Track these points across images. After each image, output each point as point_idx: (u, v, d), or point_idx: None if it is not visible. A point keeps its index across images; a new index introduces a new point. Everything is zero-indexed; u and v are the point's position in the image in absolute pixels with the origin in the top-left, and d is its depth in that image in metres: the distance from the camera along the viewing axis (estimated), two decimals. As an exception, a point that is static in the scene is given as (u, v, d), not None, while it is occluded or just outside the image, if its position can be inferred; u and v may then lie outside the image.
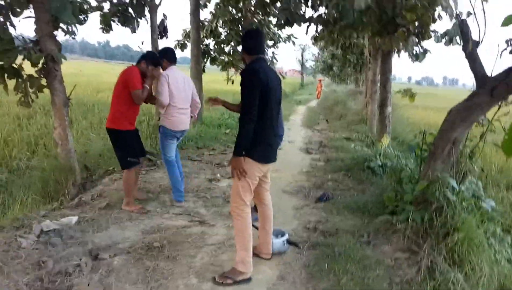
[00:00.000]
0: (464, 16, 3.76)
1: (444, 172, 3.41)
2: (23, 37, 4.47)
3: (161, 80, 3.93)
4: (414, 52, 6.49)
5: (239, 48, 17.20)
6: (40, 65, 4.51)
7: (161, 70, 4.05)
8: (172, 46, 9.55)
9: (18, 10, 4.53)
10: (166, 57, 4.08)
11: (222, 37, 17.22)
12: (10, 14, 4.41)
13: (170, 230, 3.53)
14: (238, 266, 2.72)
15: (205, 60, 16.05)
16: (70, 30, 4.65)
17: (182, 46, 13.98)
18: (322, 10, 7.55)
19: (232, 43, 17.14)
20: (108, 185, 4.77)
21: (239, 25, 16.30)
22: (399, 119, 11.68)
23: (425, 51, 6.47)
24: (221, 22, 15.70)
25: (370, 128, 9.76)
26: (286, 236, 3.21)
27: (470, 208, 3.22)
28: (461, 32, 3.67)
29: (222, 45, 17.51)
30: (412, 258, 3.04)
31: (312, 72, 57.90)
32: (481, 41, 3.34)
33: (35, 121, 8.83)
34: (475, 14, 3.25)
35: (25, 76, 4.56)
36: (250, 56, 2.76)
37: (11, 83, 4.50)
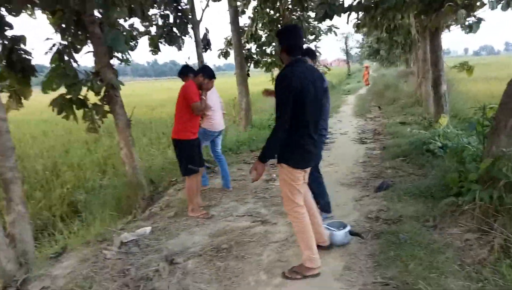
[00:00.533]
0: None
1: (509, 147, 3.23)
2: (85, 71, 4.94)
3: None
4: (467, 24, 6.13)
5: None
6: (102, 93, 4.97)
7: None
8: (216, 56, 9.89)
9: (79, 47, 5.05)
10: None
11: (263, 39, 17.41)
12: (73, 52, 4.93)
13: (235, 232, 3.71)
14: (306, 263, 2.79)
15: (248, 64, 16.31)
16: (125, 58, 5.04)
17: (226, 54, 14.37)
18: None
19: (273, 44, 17.27)
20: (173, 195, 5.10)
21: (278, 25, 16.39)
22: (458, 95, 11.02)
23: (479, 20, 6.07)
24: (260, 24, 15.89)
25: (426, 109, 9.33)
26: (348, 228, 3.24)
27: (543, 181, 3.02)
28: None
29: (264, 47, 17.70)
30: (483, 238, 2.92)
31: (358, 59, 56.22)
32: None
33: (101, 143, 9.61)
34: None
35: (90, 105, 5.04)
36: (289, 57, 2.65)
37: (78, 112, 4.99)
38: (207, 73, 4.21)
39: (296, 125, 2.56)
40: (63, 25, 4.86)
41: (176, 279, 2.91)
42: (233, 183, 5.28)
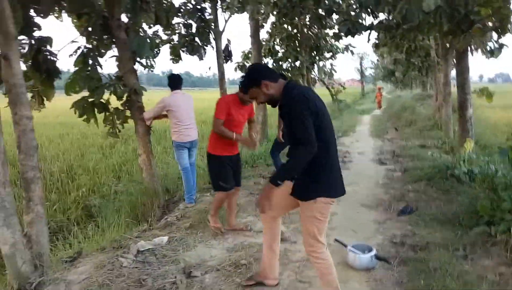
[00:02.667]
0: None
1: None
2: (109, 75, 4.95)
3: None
4: (489, 48, 6.03)
5: (297, 63, 17.34)
6: (124, 98, 4.95)
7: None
8: (233, 68, 9.94)
9: (103, 51, 5.07)
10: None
11: (279, 54, 17.54)
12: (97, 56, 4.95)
13: (253, 248, 3.59)
14: None
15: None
16: (149, 64, 5.05)
17: (242, 68, 14.44)
18: (382, 16, 7.39)
19: (289, 59, 17.37)
20: (189, 205, 5.00)
21: (296, 41, 16.49)
22: (477, 121, 10.83)
23: (501, 46, 5.96)
24: (278, 40, 16.00)
25: (446, 133, 9.17)
26: (374, 251, 3.10)
27: None
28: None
29: (280, 62, 17.80)
30: (519, 272, 2.76)
31: (372, 80, 56.25)
32: None
33: (116, 149, 9.62)
34: None
35: (111, 109, 5.04)
36: (275, 83, 2.34)
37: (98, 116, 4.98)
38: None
39: (323, 147, 2.25)
40: (89, 29, 4.90)
41: (193, 294, 2.80)
42: (250, 196, 5.19)
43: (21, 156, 3.20)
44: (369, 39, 7.73)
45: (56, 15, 5.16)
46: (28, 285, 2.92)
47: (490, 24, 5.47)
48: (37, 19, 4.50)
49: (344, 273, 3.04)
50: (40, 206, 3.30)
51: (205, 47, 7.25)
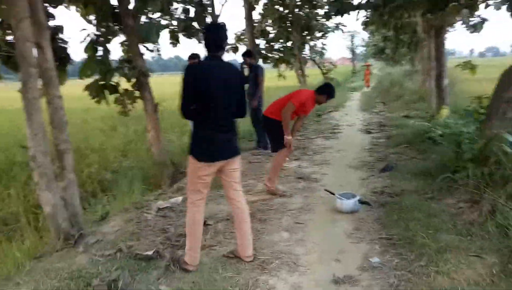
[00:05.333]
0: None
1: (500, 130, 3.70)
2: (118, 59, 5.44)
3: None
4: (471, 24, 6.49)
5: (289, 43, 17.71)
6: (133, 80, 5.46)
7: None
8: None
9: (110, 37, 5.54)
10: None
11: (271, 35, 17.84)
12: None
13: (256, 203, 4.19)
14: (186, 257, 2.81)
15: (257, 59, 16.69)
16: (155, 48, 5.53)
17: (235, 50, 14.77)
18: (369, -5, 7.82)
19: (281, 40, 17.70)
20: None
21: (287, 22, 16.80)
22: (461, 93, 11.43)
23: (483, 20, 6.40)
24: (270, 21, 16.32)
25: (429, 104, 9.78)
26: (358, 197, 3.73)
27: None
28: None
29: (272, 43, 18.12)
30: (474, 206, 3.39)
31: (363, 58, 56.52)
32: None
33: (118, 132, 10.11)
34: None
35: (121, 90, 5.54)
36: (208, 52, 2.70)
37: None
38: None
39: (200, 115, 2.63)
40: (99, 17, 5.35)
41: (210, 236, 3.40)
42: (249, 165, 5.78)
43: (55, 131, 3.73)
44: (357, 18, 8.20)
45: (66, 4, 5.59)
46: (71, 237, 3.50)
47: (462, 1, 5.96)
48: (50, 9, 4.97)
49: (333, 216, 3.68)
50: (72, 174, 3.85)
51: (202, 31, 7.68)
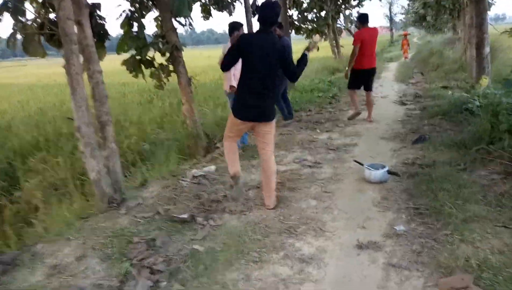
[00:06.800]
0: None
1: (541, 99, 3.55)
2: (153, 34, 5.60)
3: None
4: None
5: (322, 13, 17.20)
6: (167, 55, 5.62)
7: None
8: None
9: (144, 13, 5.69)
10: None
11: (304, 5, 17.36)
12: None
13: (286, 173, 4.32)
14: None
15: (289, 30, 16.48)
16: (187, 22, 5.64)
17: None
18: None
19: (314, 10, 17.19)
20: (228, 146, 5.77)
21: (321, -10, 16.26)
22: (506, 62, 10.78)
23: None
24: (303, -10, 15.86)
25: (470, 73, 9.32)
26: (387, 168, 3.75)
27: None
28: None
29: (305, 13, 17.66)
30: (508, 178, 3.34)
31: (402, 26, 53.83)
32: None
33: (154, 105, 10.49)
34: None
35: (156, 65, 5.73)
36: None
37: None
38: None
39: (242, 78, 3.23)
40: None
41: (241, 202, 3.58)
42: (281, 136, 5.87)
43: (96, 104, 3.99)
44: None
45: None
46: (114, 200, 3.80)
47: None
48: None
49: (361, 186, 3.74)
50: (113, 144, 4.13)
51: (234, 3, 7.68)
